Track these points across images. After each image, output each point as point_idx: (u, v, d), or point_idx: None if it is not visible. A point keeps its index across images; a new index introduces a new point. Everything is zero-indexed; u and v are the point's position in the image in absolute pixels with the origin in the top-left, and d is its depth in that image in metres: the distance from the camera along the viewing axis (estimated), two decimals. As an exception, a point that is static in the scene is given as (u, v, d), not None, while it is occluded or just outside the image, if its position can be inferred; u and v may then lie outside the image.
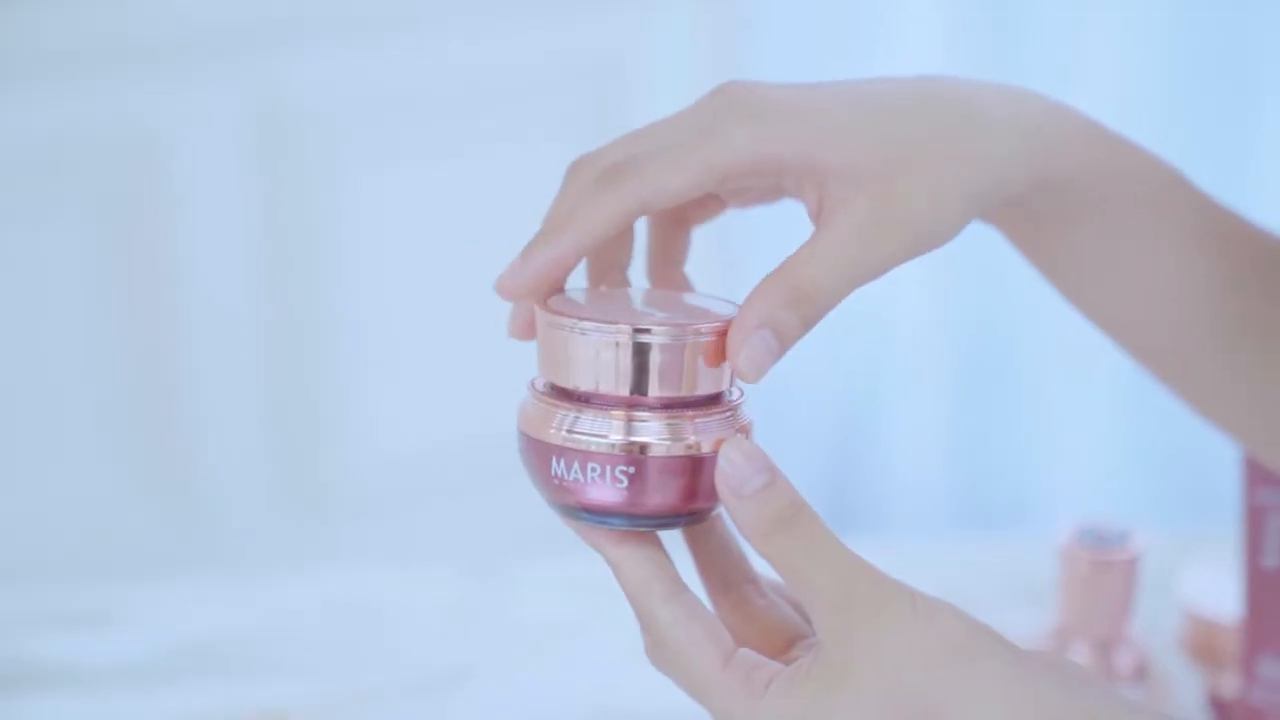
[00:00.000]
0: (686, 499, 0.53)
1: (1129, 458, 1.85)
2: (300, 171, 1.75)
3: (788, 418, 1.86)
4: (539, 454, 0.53)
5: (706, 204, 0.62)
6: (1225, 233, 0.66)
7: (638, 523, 0.53)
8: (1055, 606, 0.89)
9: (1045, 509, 1.84)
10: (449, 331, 1.85)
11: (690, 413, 0.53)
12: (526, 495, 1.80)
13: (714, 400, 0.54)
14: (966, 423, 1.86)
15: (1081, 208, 0.62)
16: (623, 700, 0.91)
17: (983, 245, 1.83)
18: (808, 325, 0.54)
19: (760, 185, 0.58)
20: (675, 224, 0.61)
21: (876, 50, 1.79)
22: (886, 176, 0.55)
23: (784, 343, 0.53)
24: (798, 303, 0.53)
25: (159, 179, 1.70)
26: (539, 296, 0.55)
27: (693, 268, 0.64)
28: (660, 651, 0.53)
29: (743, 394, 0.55)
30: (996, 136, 0.58)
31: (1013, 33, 1.77)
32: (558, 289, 0.56)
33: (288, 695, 0.91)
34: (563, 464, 0.53)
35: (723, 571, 0.56)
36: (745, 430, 0.54)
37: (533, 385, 0.55)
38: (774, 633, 0.55)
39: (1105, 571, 0.86)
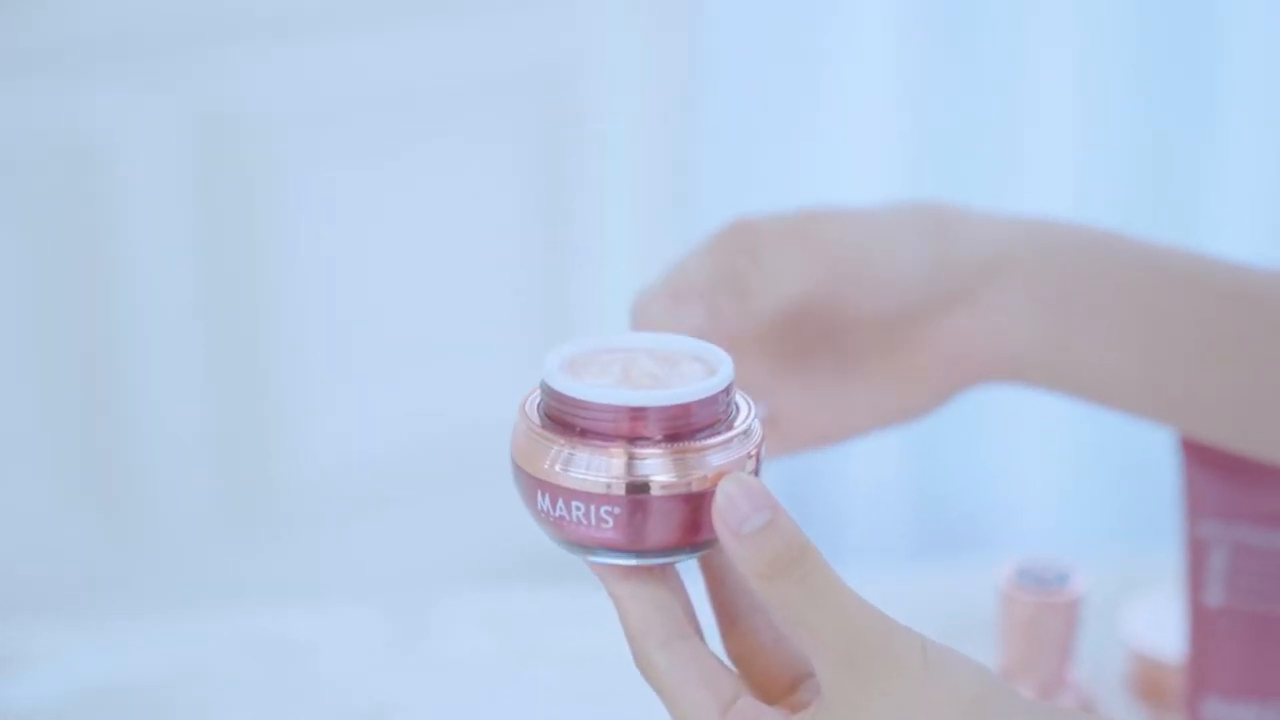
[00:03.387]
0: (689, 534, 0.50)
1: (1086, 475, 1.84)
2: (241, 176, 1.74)
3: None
4: (527, 487, 0.51)
5: None
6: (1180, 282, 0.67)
7: (641, 557, 0.50)
8: (997, 648, 0.86)
9: (999, 528, 1.83)
10: (394, 339, 1.84)
11: (697, 443, 0.50)
12: (466, 507, 1.78)
13: (724, 422, 0.51)
14: (920, 438, 1.85)
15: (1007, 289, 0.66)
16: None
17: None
18: None
19: None
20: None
21: (828, 50, 1.77)
22: None
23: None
24: None
25: (97, 184, 1.68)
26: None
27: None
28: (660, 696, 0.51)
29: (751, 409, 0.52)
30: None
31: (965, 31, 1.76)
32: None
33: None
34: (548, 499, 0.50)
35: (730, 599, 0.53)
36: (756, 453, 0.51)
37: (523, 409, 0.52)
38: (780, 668, 0.53)
39: (1045, 614, 0.83)
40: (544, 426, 0.50)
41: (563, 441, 0.50)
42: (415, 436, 1.86)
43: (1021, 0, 1.74)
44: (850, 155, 1.79)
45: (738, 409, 0.52)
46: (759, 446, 0.51)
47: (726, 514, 0.48)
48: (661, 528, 0.49)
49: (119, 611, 1.02)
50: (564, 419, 0.50)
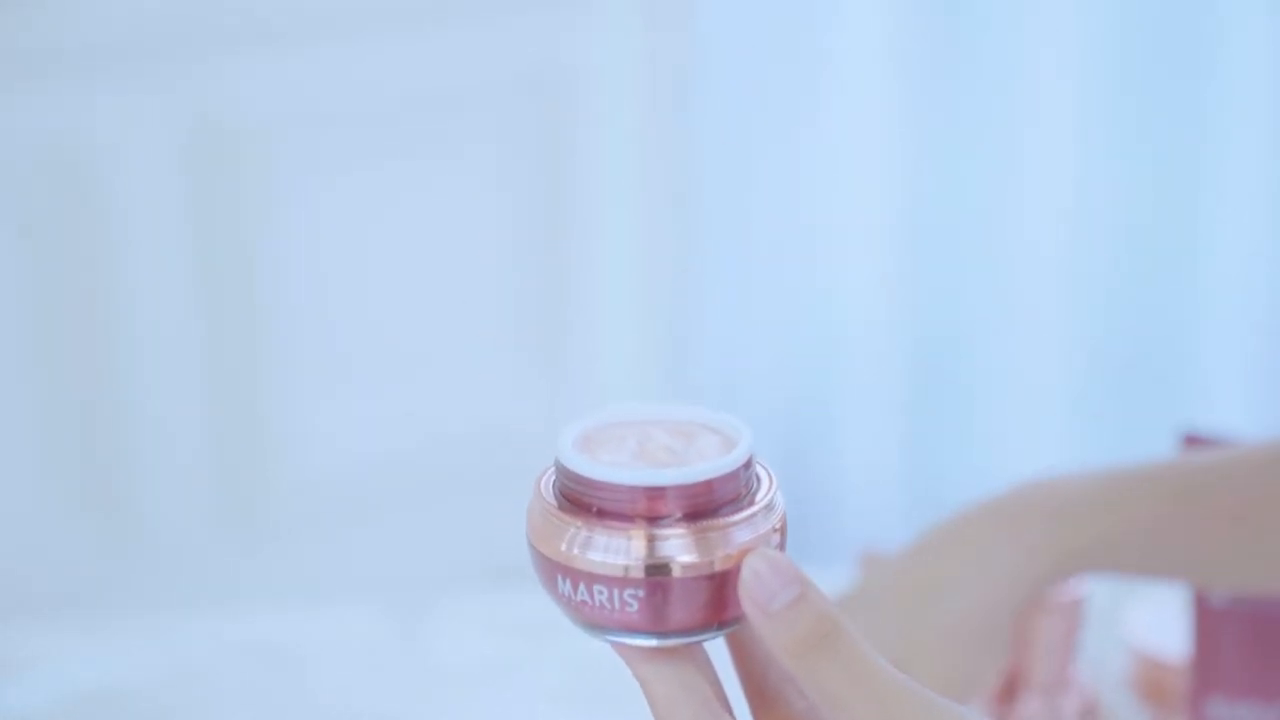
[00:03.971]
0: (714, 613, 0.48)
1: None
2: (237, 181, 1.73)
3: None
4: (545, 570, 0.49)
5: None
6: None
7: (664, 637, 0.48)
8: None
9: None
10: (391, 343, 1.83)
11: (720, 520, 0.48)
12: (463, 512, 1.77)
13: (746, 496, 0.49)
14: (920, 434, 1.84)
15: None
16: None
17: (938, 254, 1.82)
18: None
19: None
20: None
21: (826, 52, 1.77)
22: None
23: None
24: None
25: (93, 189, 1.67)
26: None
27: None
28: None
29: (773, 481, 0.50)
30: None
31: (964, 31, 1.75)
32: None
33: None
34: (569, 583, 0.48)
35: (759, 672, 0.51)
36: (780, 527, 0.49)
37: (538, 488, 0.50)
38: None
39: (1048, 615, 0.83)
40: (560, 507, 0.49)
41: (579, 523, 0.48)
42: (412, 441, 1.85)
43: (1014, 21, 1.74)
44: (849, 157, 1.79)
45: (759, 481, 0.50)
46: (782, 519, 0.49)
47: (754, 591, 0.47)
48: (685, 609, 0.48)
49: (117, 615, 1.02)
50: (580, 499, 0.48)
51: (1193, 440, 0.84)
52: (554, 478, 0.50)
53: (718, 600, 0.48)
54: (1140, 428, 1.76)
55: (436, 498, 1.85)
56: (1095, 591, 0.88)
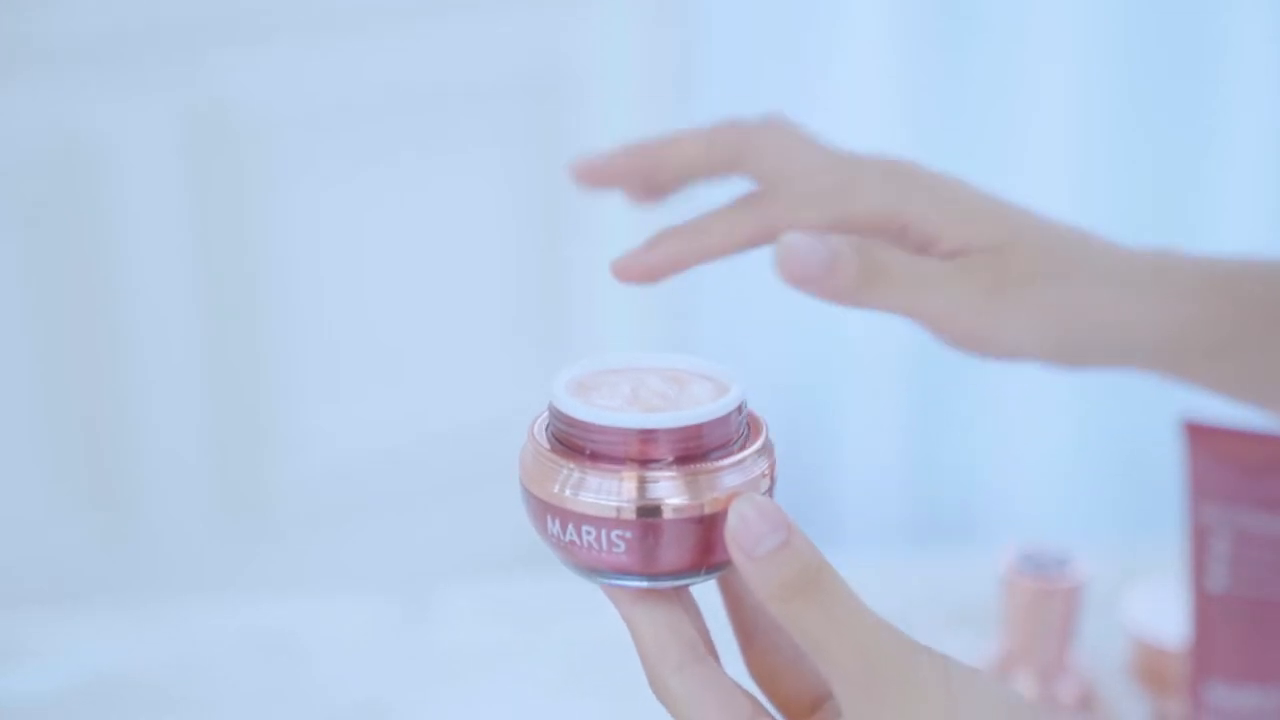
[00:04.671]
0: (703, 556, 0.49)
1: (1086, 462, 1.84)
2: (237, 177, 1.73)
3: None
4: (536, 511, 0.50)
5: None
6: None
7: (654, 580, 0.49)
8: (998, 634, 0.86)
9: (1000, 515, 1.83)
10: (390, 339, 1.83)
11: (710, 464, 0.49)
12: (462, 508, 1.77)
13: (736, 441, 0.50)
14: (920, 425, 1.85)
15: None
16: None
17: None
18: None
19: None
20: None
21: (825, 53, 1.77)
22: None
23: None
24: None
25: (93, 186, 1.68)
26: (652, 280, 0.60)
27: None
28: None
29: (765, 429, 0.51)
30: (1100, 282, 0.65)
31: (962, 33, 1.76)
32: (667, 275, 0.59)
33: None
34: (558, 523, 0.49)
35: (749, 617, 0.53)
36: (770, 473, 0.50)
37: (532, 432, 0.51)
38: (802, 687, 0.52)
39: (1046, 600, 0.83)
40: (553, 449, 0.50)
41: (572, 465, 0.49)
42: (415, 436, 1.86)
43: (1019, 1, 1.74)
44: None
45: (750, 428, 0.51)
46: (773, 466, 0.50)
47: (740, 535, 0.48)
48: (674, 551, 0.49)
49: (121, 605, 1.02)
50: (573, 442, 0.49)
51: (1194, 429, 0.84)
52: (547, 421, 0.51)
53: (706, 543, 0.49)
54: (1142, 420, 1.77)
55: (438, 492, 1.85)
56: (1094, 577, 0.88)
